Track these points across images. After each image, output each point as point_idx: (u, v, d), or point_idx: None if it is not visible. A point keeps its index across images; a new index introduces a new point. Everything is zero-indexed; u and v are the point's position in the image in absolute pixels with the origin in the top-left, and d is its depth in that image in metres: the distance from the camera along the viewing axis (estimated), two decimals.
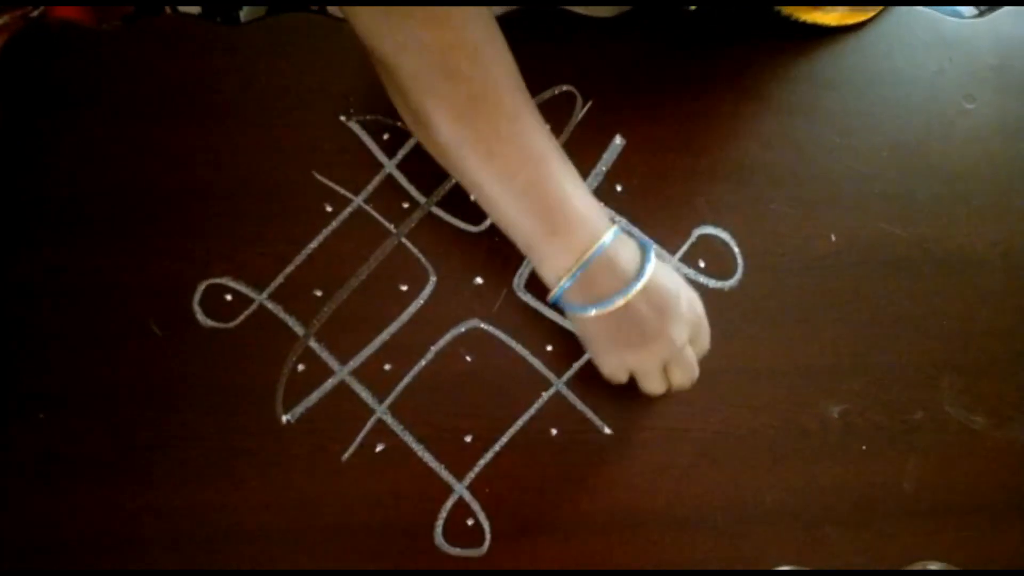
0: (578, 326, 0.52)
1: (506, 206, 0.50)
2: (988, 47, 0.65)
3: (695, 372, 0.52)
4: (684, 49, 0.65)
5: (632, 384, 0.56)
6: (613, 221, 0.51)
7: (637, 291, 0.48)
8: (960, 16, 0.68)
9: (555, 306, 0.53)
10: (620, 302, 0.48)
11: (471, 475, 0.54)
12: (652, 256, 0.50)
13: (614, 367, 0.52)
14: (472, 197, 0.55)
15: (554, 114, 0.63)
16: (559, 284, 0.49)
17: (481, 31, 0.49)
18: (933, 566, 0.52)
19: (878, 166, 0.62)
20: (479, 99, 0.48)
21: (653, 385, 0.52)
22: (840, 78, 0.64)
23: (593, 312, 0.49)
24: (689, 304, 0.51)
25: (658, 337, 0.49)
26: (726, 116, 0.63)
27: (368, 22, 0.48)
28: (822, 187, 0.61)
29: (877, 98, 0.64)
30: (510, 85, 0.50)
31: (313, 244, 0.59)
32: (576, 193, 0.49)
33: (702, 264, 0.59)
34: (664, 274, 0.50)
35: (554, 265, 0.49)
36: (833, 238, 0.59)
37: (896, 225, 0.60)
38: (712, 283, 0.58)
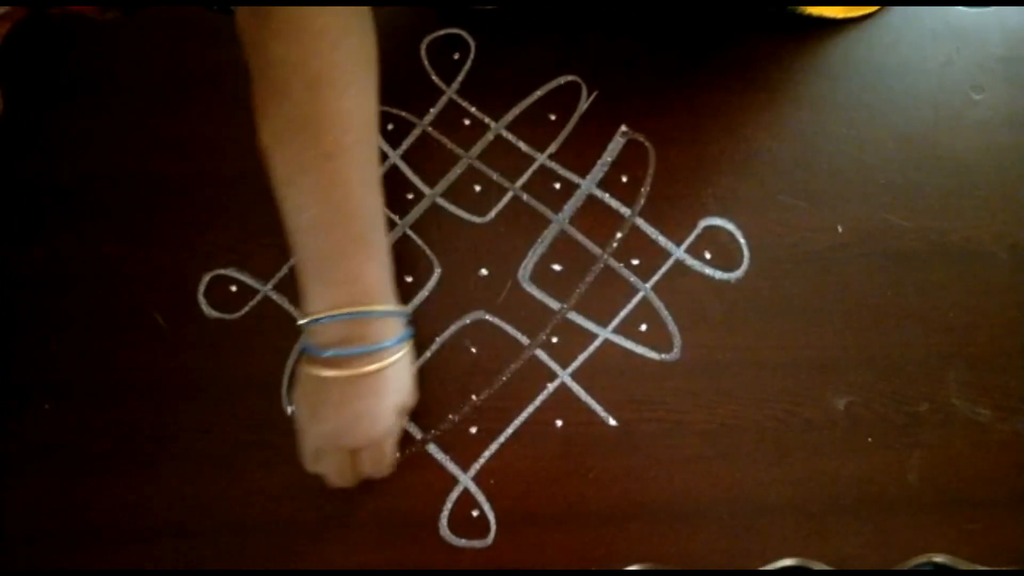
0: (302, 379, 0.50)
1: (297, 236, 0.49)
2: (996, 38, 0.65)
3: (344, 479, 0.51)
4: (690, 40, 0.64)
5: (637, 377, 0.56)
6: (402, 308, 0.52)
7: (343, 373, 0.48)
8: None
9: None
10: (328, 373, 0.48)
11: (476, 466, 0.54)
12: (395, 356, 0.49)
13: (294, 405, 0.51)
14: None
15: (559, 104, 0.62)
16: (306, 318, 0.48)
17: (330, 65, 0.48)
18: (938, 559, 0.52)
19: (885, 158, 0.61)
20: (298, 125, 0.48)
21: (303, 455, 0.51)
22: (847, 70, 0.64)
23: (312, 359, 0.49)
24: (377, 424, 0.49)
25: (326, 423, 0.49)
26: (732, 107, 0.63)
27: (241, 17, 0.49)
28: (828, 179, 0.60)
29: (884, 90, 0.63)
30: (339, 126, 0.48)
31: None
32: (367, 256, 0.49)
33: (708, 255, 0.59)
34: (385, 383, 0.49)
35: (312, 301, 0.49)
36: (839, 230, 0.59)
37: (903, 217, 0.59)
38: (718, 274, 0.58)
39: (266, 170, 0.50)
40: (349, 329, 0.48)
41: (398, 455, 0.53)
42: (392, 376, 0.50)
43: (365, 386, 0.49)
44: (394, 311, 0.50)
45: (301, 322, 0.49)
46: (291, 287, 0.58)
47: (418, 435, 0.55)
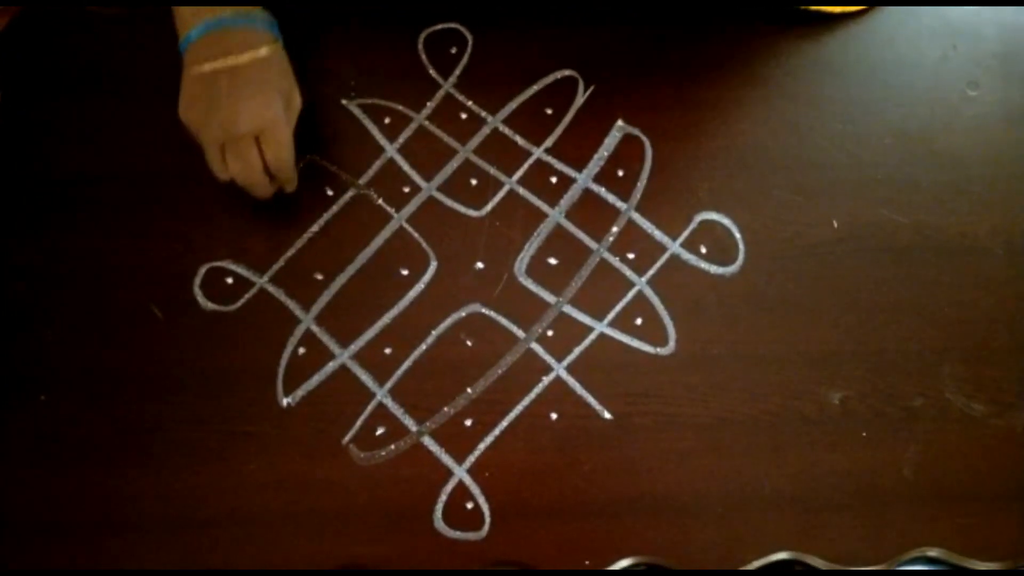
0: (183, 77, 0.55)
1: None
2: (992, 34, 0.65)
3: (255, 172, 0.54)
4: (687, 35, 0.64)
5: (632, 371, 0.56)
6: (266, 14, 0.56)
7: (227, 64, 0.52)
8: None
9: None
10: (217, 65, 0.53)
11: (471, 459, 0.54)
12: (268, 48, 0.54)
13: (183, 120, 0.55)
14: None
15: (556, 99, 0.62)
16: (185, 35, 0.54)
17: None
18: (932, 553, 0.52)
19: (881, 153, 0.61)
20: None
21: (211, 161, 0.54)
22: (843, 65, 0.64)
23: (193, 68, 0.53)
24: (267, 105, 0.53)
25: (218, 112, 0.53)
26: (728, 102, 0.63)
27: None
28: (824, 174, 0.61)
29: (880, 85, 0.63)
30: None
31: (314, 228, 0.59)
32: None
33: (703, 250, 0.59)
34: (266, 69, 0.54)
35: (185, 17, 0.54)
36: (835, 224, 0.59)
37: (898, 212, 0.60)
38: (713, 269, 0.58)
39: None
40: (230, 29, 0.53)
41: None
42: (272, 64, 0.55)
43: (247, 74, 0.54)
44: (267, 19, 0.55)
45: (181, 40, 0.54)
46: (288, 279, 0.58)
47: (413, 427, 0.55)
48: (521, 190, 0.60)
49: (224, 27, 0.54)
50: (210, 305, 0.58)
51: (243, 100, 0.53)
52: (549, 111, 0.62)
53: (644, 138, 0.61)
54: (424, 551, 0.52)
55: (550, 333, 0.57)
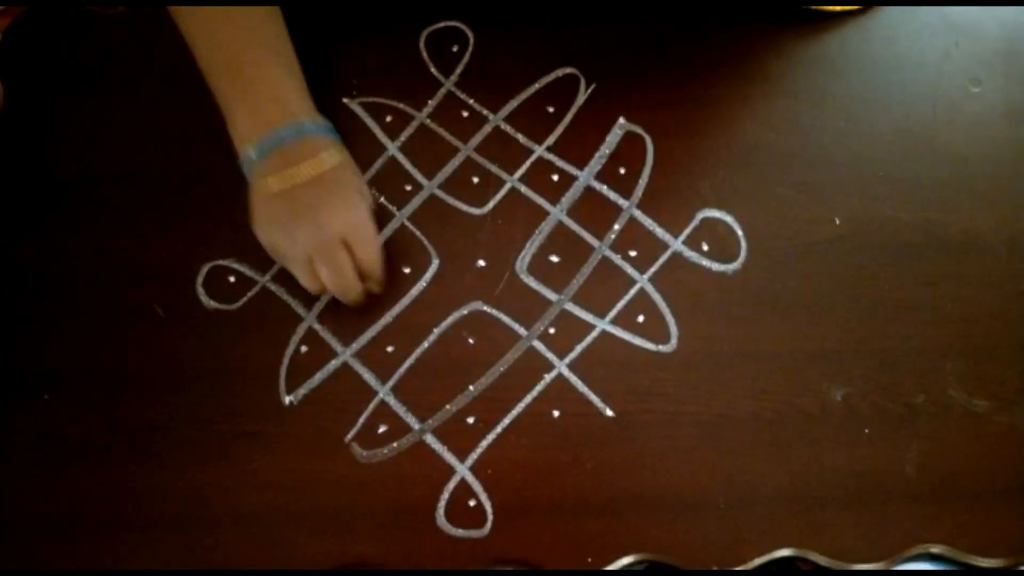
0: (251, 195, 0.53)
1: (209, 64, 0.51)
2: (995, 31, 0.65)
3: (347, 279, 0.53)
4: (688, 32, 0.64)
5: (634, 369, 0.56)
6: (322, 117, 0.54)
7: (309, 177, 0.50)
8: None
9: None
10: (288, 185, 0.50)
11: (473, 456, 0.54)
12: (340, 153, 0.52)
13: (265, 243, 0.53)
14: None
15: (557, 96, 0.62)
16: (245, 152, 0.51)
17: None
18: (934, 550, 0.52)
19: (883, 150, 0.61)
20: None
21: (299, 274, 0.53)
22: (846, 62, 0.64)
23: (265, 187, 0.51)
24: (353, 209, 0.52)
25: (306, 224, 0.51)
26: (730, 99, 0.63)
27: None
28: (826, 171, 0.60)
29: (882, 82, 0.63)
30: None
31: None
32: (282, 75, 0.51)
33: (705, 247, 0.59)
34: (344, 176, 0.53)
35: (242, 129, 0.51)
36: (837, 222, 0.59)
37: (900, 209, 0.59)
38: (715, 266, 0.58)
39: (176, 17, 0.53)
40: (280, 151, 0.51)
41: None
42: (346, 165, 0.54)
43: (325, 182, 0.52)
44: (324, 124, 0.54)
45: (243, 157, 0.52)
46: (290, 278, 0.58)
47: (415, 425, 0.55)
48: (523, 188, 0.60)
49: (283, 142, 0.52)
50: (212, 304, 0.58)
51: (328, 208, 0.52)
52: (550, 109, 0.62)
53: (646, 136, 0.61)
54: (427, 549, 0.52)
55: (552, 331, 0.57)
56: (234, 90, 0.52)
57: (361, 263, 0.53)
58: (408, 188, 0.61)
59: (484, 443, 0.54)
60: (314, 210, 0.51)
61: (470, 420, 0.55)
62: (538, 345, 0.56)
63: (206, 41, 0.52)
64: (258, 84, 0.51)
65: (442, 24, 0.65)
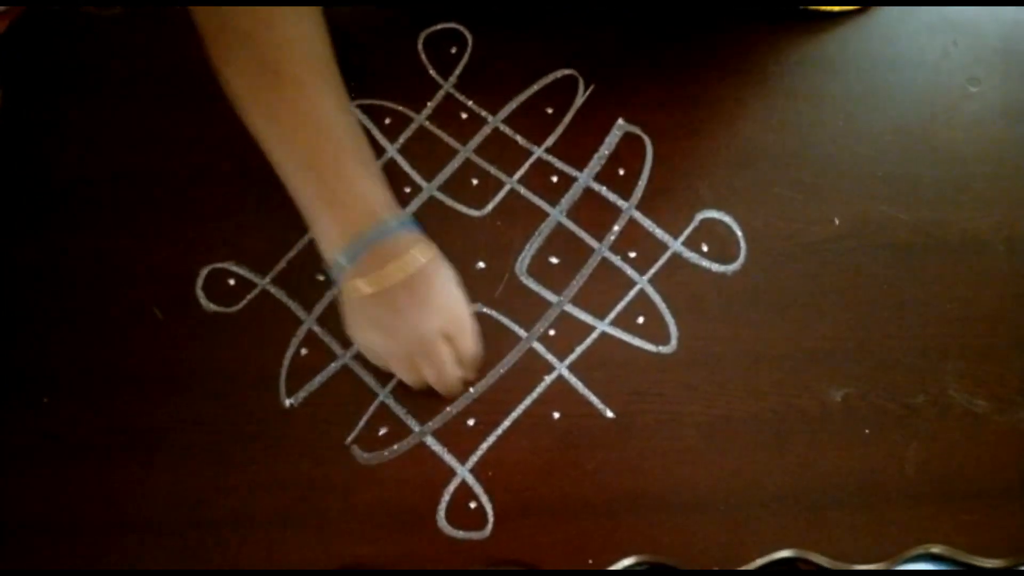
0: (344, 302, 0.52)
1: (288, 171, 0.50)
2: (993, 30, 0.65)
3: (449, 374, 0.51)
4: (687, 33, 0.64)
5: (634, 370, 0.56)
6: (403, 211, 0.52)
7: (402, 279, 0.48)
8: None
9: None
10: (385, 286, 0.48)
11: (474, 458, 0.54)
12: (434, 252, 0.50)
13: (365, 349, 0.52)
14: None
15: (556, 98, 0.62)
16: (335, 260, 0.50)
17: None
18: (935, 550, 0.52)
19: (881, 150, 0.61)
20: (268, 65, 0.49)
21: (404, 375, 0.52)
22: (844, 62, 0.64)
23: (358, 292, 0.49)
24: (451, 303, 0.51)
25: (408, 327, 0.49)
26: (729, 100, 0.63)
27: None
28: (825, 171, 0.60)
29: (881, 81, 0.63)
30: (302, 52, 0.50)
31: None
32: (363, 173, 0.50)
33: (705, 248, 0.59)
34: (439, 272, 0.50)
35: (329, 238, 0.50)
36: (836, 222, 0.59)
37: (899, 209, 0.60)
38: (714, 267, 0.58)
39: (241, 116, 0.51)
40: (369, 254, 0.49)
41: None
42: (437, 263, 0.51)
43: (422, 280, 0.49)
44: (407, 220, 0.51)
45: (330, 261, 0.50)
46: (289, 280, 0.58)
47: (415, 427, 0.55)
48: (522, 189, 0.60)
49: (371, 244, 0.49)
50: (212, 306, 0.58)
51: (427, 307, 0.50)
52: (549, 110, 0.62)
53: (645, 137, 0.61)
54: (427, 551, 0.52)
55: (552, 332, 0.57)
56: (317, 197, 0.50)
57: (462, 354, 0.52)
58: (407, 190, 0.61)
59: (484, 445, 0.54)
60: (413, 310, 0.49)
61: (470, 422, 0.55)
62: (538, 347, 0.56)
63: (282, 146, 0.50)
64: (340, 188, 0.49)
65: (441, 26, 0.65)
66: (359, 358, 0.56)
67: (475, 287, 0.58)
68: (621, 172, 0.60)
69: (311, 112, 0.49)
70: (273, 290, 0.58)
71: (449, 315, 0.51)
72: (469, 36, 0.64)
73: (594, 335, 0.57)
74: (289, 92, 0.49)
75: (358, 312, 0.51)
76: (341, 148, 0.50)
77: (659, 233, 0.59)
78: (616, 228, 0.59)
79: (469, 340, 0.53)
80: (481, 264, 0.58)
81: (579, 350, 0.56)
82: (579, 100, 0.62)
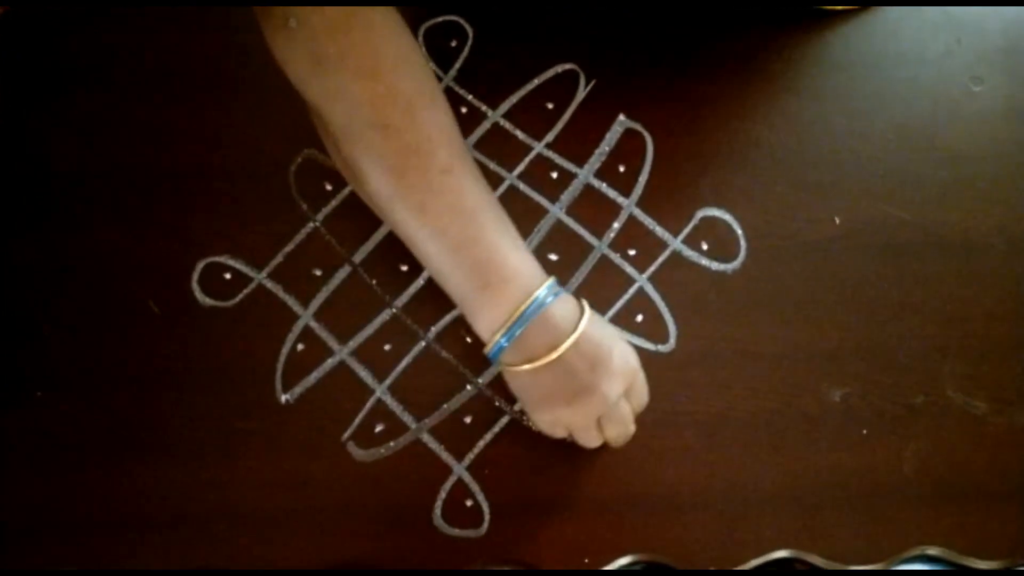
0: (511, 381, 0.50)
1: (439, 260, 0.48)
2: (996, 29, 0.64)
3: (630, 428, 0.50)
4: (689, 29, 0.64)
5: None
6: (549, 276, 0.49)
7: (569, 346, 0.46)
8: None
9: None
10: (553, 356, 0.46)
11: (471, 456, 0.54)
12: (587, 310, 0.48)
13: (548, 423, 0.50)
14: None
15: (557, 93, 0.62)
16: (495, 341, 0.47)
17: (415, 82, 0.47)
18: (932, 551, 0.52)
19: (883, 148, 0.61)
20: (411, 152, 0.47)
21: (588, 440, 0.50)
22: (846, 59, 0.64)
23: (526, 367, 0.47)
24: (623, 358, 0.49)
25: (590, 393, 0.47)
26: (731, 97, 0.62)
27: (299, 69, 0.47)
28: (826, 169, 0.60)
29: (883, 80, 0.63)
30: (444, 138, 0.48)
31: (312, 223, 0.59)
32: (511, 247, 0.48)
33: (704, 246, 0.58)
34: (598, 328, 0.48)
35: (488, 320, 0.47)
36: (837, 221, 0.59)
37: (901, 208, 0.59)
38: (714, 265, 0.58)
39: (383, 216, 0.50)
40: (529, 331, 0.47)
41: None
42: (596, 324, 0.48)
43: (589, 349, 0.47)
44: (555, 286, 0.49)
45: (490, 352, 0.48)
46: (286, 274, 0.57)
47: (412, 424, 0.54)
48: (521, 185, 0.60)
49: (529, 320, 0.47)
50: (208, 301, 0.57)
51: (608, 367, 0.47)
52: (550, 105, 0.62)
53: (645, 133, 0.61)
54: (423, 549, 0.52)
55: None
56: (471, 283, 0.48)
57: (636, 409, 0.51)
58: None
59: (481, 443, 0.54)
60: (595, 375, 0.47)
61: (467, 419, 0.55)
62: None
63: (434, 236, 0.48)
64: (492, 271, 0.47)
65: (441, 19, 0.64)
66: (356, 354, 0.56)
67: None
68: (621, 169, 0.60)
69: (461, 200, 0.47)
70: (269, 284, 0.58)
71: (626, 370, 0.49)
72: (470, 29, 0.64)
73: None
74: (436, 181, 0.47)
75: (533, 389, 0.49)
76: (493, 230, 0.48)
77: (659, 231, 0.59)
78: (616, 225, 0.59)
79: (645, 393, 0.51)
80: None
81: None
82: (580, 95, 0.62)
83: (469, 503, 0.53)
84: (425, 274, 0.58)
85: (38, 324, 0.57)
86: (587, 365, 0.47)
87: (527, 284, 0.47)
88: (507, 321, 0.47)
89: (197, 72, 0.63)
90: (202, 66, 0.63)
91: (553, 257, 0.58)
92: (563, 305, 0.48)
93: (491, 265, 0.47)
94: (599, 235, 0.59)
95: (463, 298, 0.49)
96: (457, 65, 0.63)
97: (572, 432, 0.50)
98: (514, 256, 0.48)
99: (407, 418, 0.55)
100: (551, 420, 0.49)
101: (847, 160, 0.60)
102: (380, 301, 0.57)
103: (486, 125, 0.61)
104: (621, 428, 0.50)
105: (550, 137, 0.61)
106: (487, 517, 0.53)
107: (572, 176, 0.60)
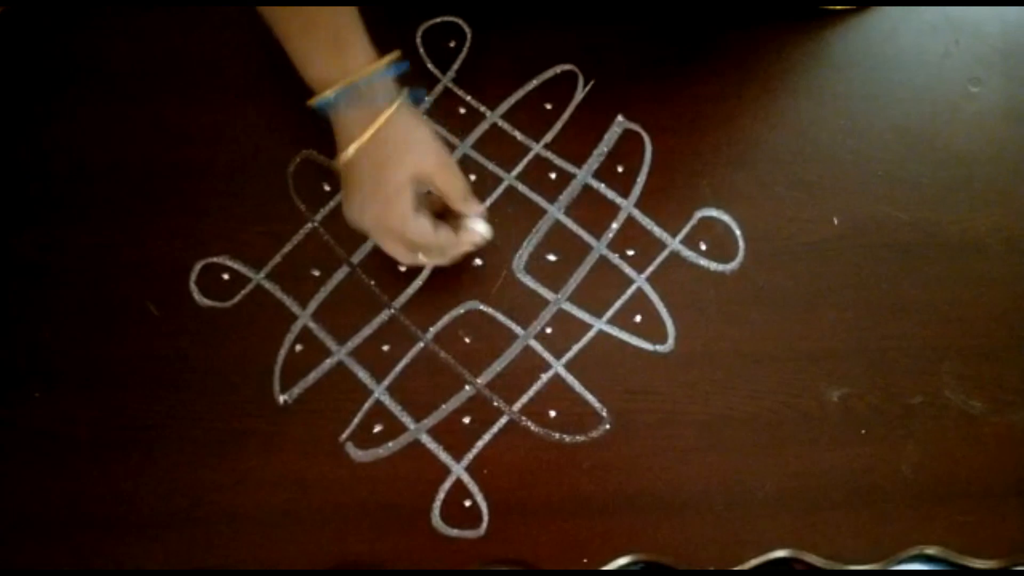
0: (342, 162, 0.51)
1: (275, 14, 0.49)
2: (995, 31, 0.65)
3: (431, 239, 0.51)
4: (687, 30, 0.64)
5: (631, 369, 0.55)
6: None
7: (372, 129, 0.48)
8: None
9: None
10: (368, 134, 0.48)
11: (469, 456, 0.54)
12: (406, 109, 0.49)
13: (352, 222, 0.52)
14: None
15: (555, 93, 0.62)
16: (324, 95, 0.49)
17: None
18: (930, 551, 0.52)
19: (882, 149, 0.61)
20: None
21: (396, 252, 0.52)
22: (845, 61, 0.64)
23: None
24: (419, 144, 0.50)
25: (380, 183, 0.49)
26: (729, 97, 0.62)
27: None
28: (825, 170, 0.60)
29: (882, 81, 0.63)
30: None
31: (311, 224, 0.59)
32: (357, 31, 0.50)
33: (703, 247, 0.58)
34: (403, 118, 0.49)
35: (320, 74, 0.49)
36: (835, 221, 0.59)
37: (899, 209, 0.59)
38: (713, 266, 0.58)
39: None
40: (357, 104, 0.49)
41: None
42: (405, 110, 0.50)
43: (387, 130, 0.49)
44: (400, 66, 0.51)
45: (314, 103, 0.50)
46: (284, 275, 0.57)
47: (411, 425, 0.54)
48: (520, 186, 0.60)
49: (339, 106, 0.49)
50: (206, 301, 0.57)
51: (397, 157, 0.49)
52: (548, 106, 0.62)
53: (644, 134, 0.61)
54: (422, 549, 0.52)
55: (549, 330, 0.57)
56: (302, 41, 0.50)
57: (447, 193, 0.52)
58: None
59: (480, 443, 0.54)
60: (383, 168, 0.49)
61: (466, 420, 0.55)
62: (535, 345, 0.56)
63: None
64: (342, 38, 0.50)
65: (439, 19, 0.64)
66: (354, 354, 0.56)
67: (472, 284, 0.57)
68: (620, 169, 0.60)
69: None
70: (268, 285, 0.58)
71: (417, 158, 0.49)
72: (468, 30, 0.64)
73: (591, 333, 0.56)
74: None
75: (345, 186, 0.51)
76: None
77: (657, 231, 0.59)
78: (614, 226, 0.59)
79: (448, 175, 0.51)
80: (478, 261, 0.58)
81: (576, 348, 0.56)
82: (579, 96, 0.62)
83: (468, 503, 0.53)
84: (424, 274, 0.58)
85: (36, 323, 0.57)
86: (381, 155, 0.48)
87: (366, 60, 0.49)
88: (337, 83, 0.48)
89: (196, 72, 0.63)
90: (201, 66, 0.63)
91: (552, 257, 0.58)
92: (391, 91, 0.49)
93: (338, 32, 0.50)
94: (598, 235, 0.59)
95: (296, 58, 0.50)
96: (455, 66, 0.63)
97: (385, 248, 0.51)
98: (362, 39, 0.50)
99: (406, 418, 0.55)
100: (354, 223, 0.51)
101: (845, 160, 0.61)
102: (378, 302, 0.57)
103: (485, 125, 0.61)
104: (421, 234, 0.50)
105: (549, 137, 0.61)
106: (486, 517, 0.52)
107: (571, 176, 0.60)
